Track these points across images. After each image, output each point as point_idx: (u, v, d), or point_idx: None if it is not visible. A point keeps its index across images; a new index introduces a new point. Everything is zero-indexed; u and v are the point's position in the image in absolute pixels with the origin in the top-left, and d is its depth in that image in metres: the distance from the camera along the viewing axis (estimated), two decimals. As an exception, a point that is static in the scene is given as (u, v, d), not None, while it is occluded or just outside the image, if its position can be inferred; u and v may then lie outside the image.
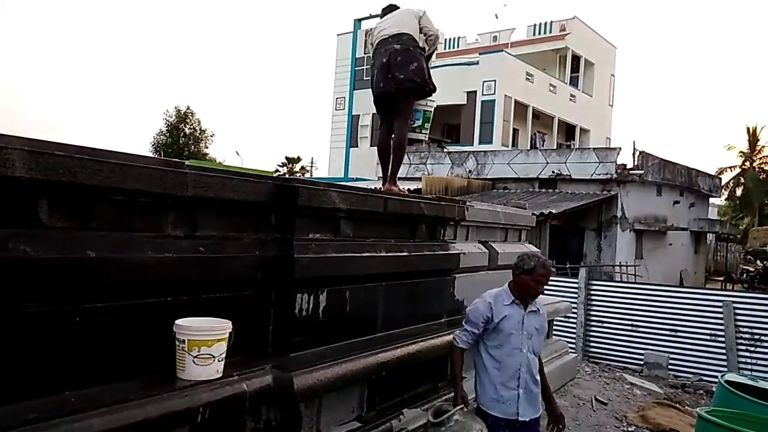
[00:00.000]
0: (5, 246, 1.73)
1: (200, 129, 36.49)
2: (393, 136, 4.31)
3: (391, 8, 4.55)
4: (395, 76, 4.08)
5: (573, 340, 8.71)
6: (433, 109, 4.53)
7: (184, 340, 2.16)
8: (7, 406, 1.70)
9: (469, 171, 17.72)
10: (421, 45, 4.22)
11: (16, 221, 1.83)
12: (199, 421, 2.09)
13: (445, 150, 20.18)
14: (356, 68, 26.75)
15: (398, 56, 4.09)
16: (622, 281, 12.49)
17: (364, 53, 26.39)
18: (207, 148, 36.55)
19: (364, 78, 26.23)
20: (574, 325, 8.90)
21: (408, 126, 4.32)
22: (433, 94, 4.38)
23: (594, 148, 16.90)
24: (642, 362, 8.16)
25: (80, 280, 1.90)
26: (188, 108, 36.12)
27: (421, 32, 4.25)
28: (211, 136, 37.01)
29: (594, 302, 9.05)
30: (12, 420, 1.63)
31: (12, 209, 1.83)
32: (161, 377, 2.15)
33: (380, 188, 4.24)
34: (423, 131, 4.51)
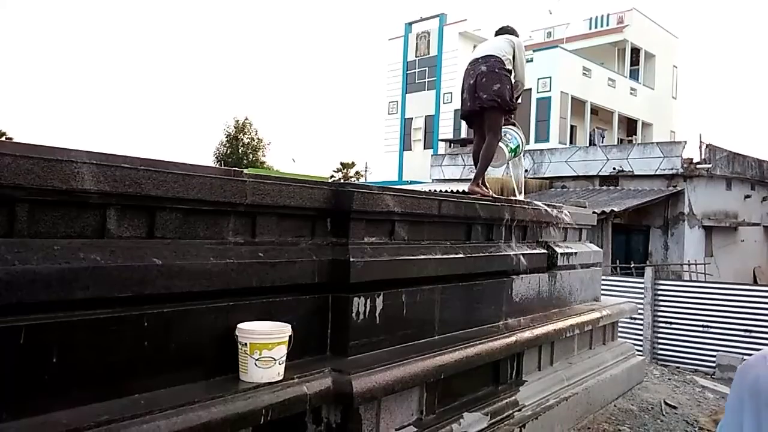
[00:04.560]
0: (77, 255, 1.82)
1: (258, 138, 37.48)
2: (484, 146, 4.65)
3: (500, 31, 4.91)
4: (479, 95, 4.44)
5: (640, 343, 8.41)
6: (520, 149, 4.93)
7: (246, 344, 2.22)
8: (81, 407, 1.79)
9: (525, 170, 17.39)
10: (508, 67, 4.51)
11: (86, 231, 1.94)
12: (262, 422, 2.14)
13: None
14: (408, 72, 26.77)
15: (483, 78, 4.44)
16: (691, 280, 11.96)
17: (416, 57, 26.45)
18: (264, 156, 37.48)
19: (416, 81, 26.27)
20: (641, 327, 8.60)
21: (498, 140, 4.64)
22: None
23: (657, 143, 16.23)
24: (714, 364, 7.79)
25: (147, 286, 1.98)
26: (246, 119, 37.20)
27: (514, 60, 4.59)
28: (268, 144, 37.94)
29: (661, 303, 8.71)
30: (86, 421, 1.71)
31: (82, 220, 1.93)
32: (225, 380, 2.22)
33: (463, 190, 4.54)
34: (509, 156, 4.83)
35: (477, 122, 4.70)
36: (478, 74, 4.47)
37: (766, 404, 2.08)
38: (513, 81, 4.56)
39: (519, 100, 4.89)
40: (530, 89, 22.06)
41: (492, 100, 4.43)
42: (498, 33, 4.90)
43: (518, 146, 4.86)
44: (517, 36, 4.81)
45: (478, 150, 4.72)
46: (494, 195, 4.45)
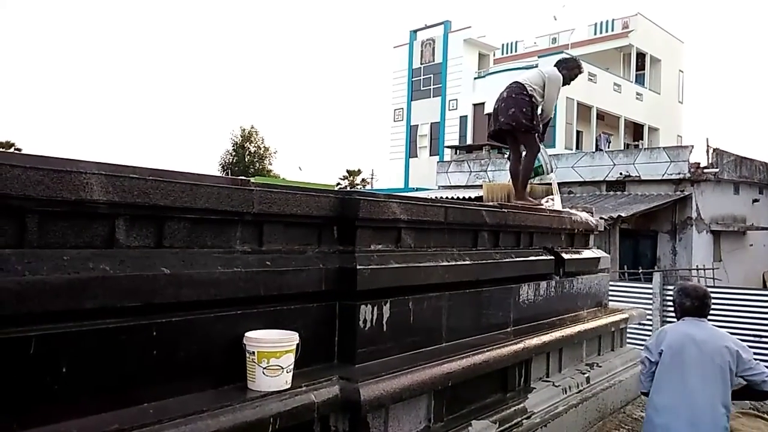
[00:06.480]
0: (86, 265, 1.84)
1: (264, 147, 37.66)
2: (522, 163, 5.20)
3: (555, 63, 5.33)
4: (498, 119, 4.99)
5: (649, 348, 8.35)
6: (545, 171, 5.38)
7: (254, 352, 2.23)
8: (91, 417, 1.80)
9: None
10: (529, 92, 4.88)
11: (95, 242, 1.95)
12: (270, 431, 2.14)
13: (505, 156, 19.90)
14: (413, 79, 26.84)
15: (503, 102, 4.96)
16: (699, 285, 11.87)
17: (421, 64, 26.53)
18: (271, 164, 37.65)
19: (422, 88, 26.33)
20: (650, 333, 8.54)
21: (534, 156, 5.11)
22: (552, 175, 5.52)
23: (664, 148, 16.21)
24: (725, 371, 7.72)
25: (155, 295, 1.99)
26: (252, 127, 37.42)
27: (543, 90, 4.97)
28: (275, 153, 38.10)
29: (670, 308, 8.65)
30: (96, 431, 1.72)
31: (91, 230, 1.95)
32: (233, 389, 2.22)
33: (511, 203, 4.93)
34: (538, 176, 5.40)
35: (508, 142, 5.31)
36: (501, 100, 5.00)
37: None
38: (538, 106, 4.96)
39: (544, 126, 5.25)
40: (535, 95, 22.04)
41: (507, 123, 4.92)
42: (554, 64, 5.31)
43: (540, 166, 5.27)
44: (562, 70, 5.14)
45: (514, 168, 5.32)
46: (542, 203, 5.06)
